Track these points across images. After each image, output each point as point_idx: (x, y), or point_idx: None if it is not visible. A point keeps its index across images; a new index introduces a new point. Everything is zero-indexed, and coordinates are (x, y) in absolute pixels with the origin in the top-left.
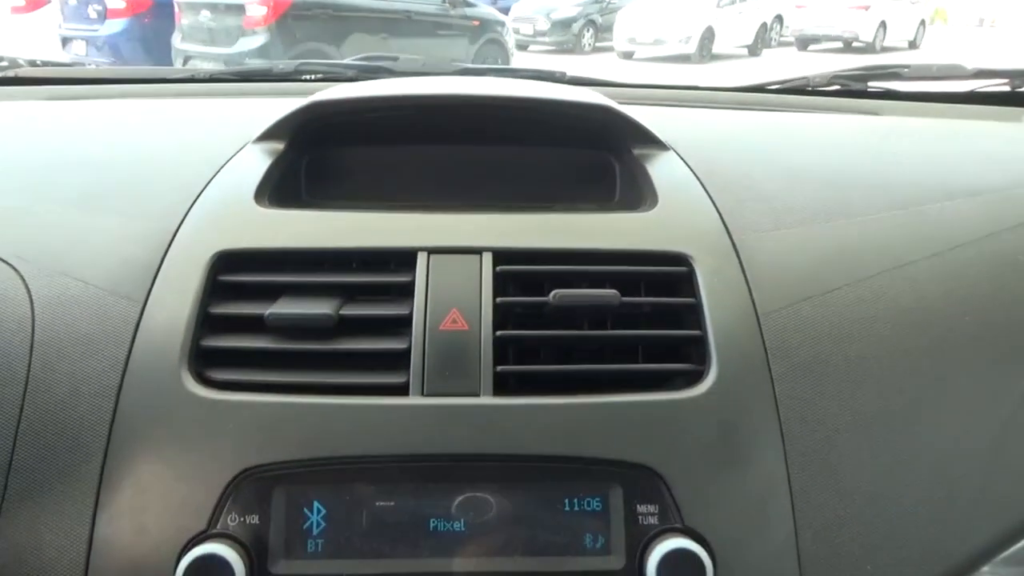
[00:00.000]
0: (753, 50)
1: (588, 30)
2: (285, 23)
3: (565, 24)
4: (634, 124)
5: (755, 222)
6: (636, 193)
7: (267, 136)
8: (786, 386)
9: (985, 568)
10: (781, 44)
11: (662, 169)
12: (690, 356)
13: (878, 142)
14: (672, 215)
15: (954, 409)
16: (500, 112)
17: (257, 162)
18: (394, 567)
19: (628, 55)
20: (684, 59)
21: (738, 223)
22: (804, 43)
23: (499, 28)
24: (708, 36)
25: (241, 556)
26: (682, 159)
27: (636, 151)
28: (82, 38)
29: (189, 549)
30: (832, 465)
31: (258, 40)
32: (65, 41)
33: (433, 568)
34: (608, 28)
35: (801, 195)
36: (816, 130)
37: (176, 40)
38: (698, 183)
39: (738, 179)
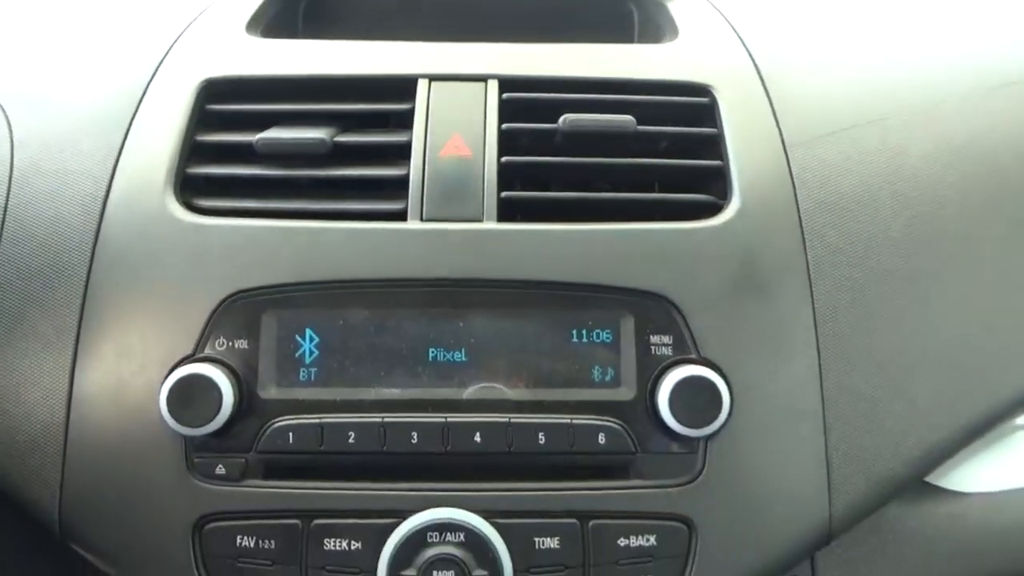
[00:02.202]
0: None
1: None
2: None
3: None
4: None
5: (784, 57)
6: (656, 31)
7: None
8: (813, 221)
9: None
10: None
11: (685, 6)
12: (711, 188)
13: None
14: (695, 46)
15: (980, 266)
16: None
17: None
18: (391, 396)
19: None
20: None
21: (766, 57)
22: None
23: None
24: None
25: (230, 379)
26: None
27: None
28: None
29: (175, 371)
30: (861, 302)
31: None
32: None
33: (432, 398)
34: None
35: (835, 33)
36: None
37: None
38: (724, 19)
39: (767, 18)
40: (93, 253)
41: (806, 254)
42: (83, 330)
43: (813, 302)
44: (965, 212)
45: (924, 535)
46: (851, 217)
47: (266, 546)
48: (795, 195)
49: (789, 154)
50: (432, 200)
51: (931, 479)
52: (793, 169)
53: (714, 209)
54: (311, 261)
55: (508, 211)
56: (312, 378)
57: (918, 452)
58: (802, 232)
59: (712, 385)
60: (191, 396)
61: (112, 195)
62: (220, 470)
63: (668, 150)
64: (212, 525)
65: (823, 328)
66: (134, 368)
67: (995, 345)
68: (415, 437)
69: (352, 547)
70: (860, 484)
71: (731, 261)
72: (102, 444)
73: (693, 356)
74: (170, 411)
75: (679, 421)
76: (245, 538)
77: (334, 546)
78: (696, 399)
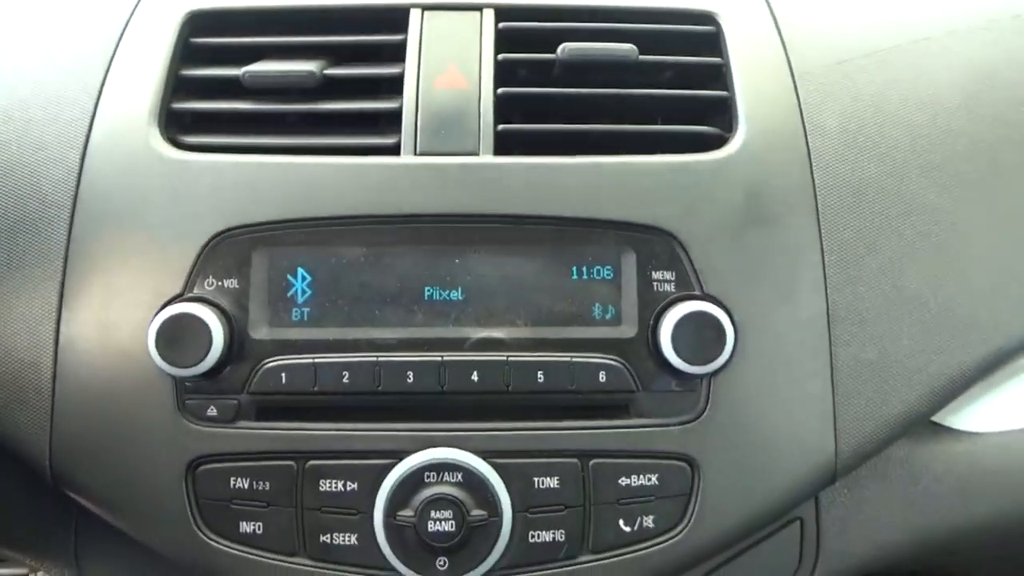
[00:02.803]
0: None
1: None
2: None
3: None
4: None
5: None
6: None
7: None
8: (823, 153)
9: None
10: None
11: None
12: (716, 120)
13: None
14: None
15: (994, 202)
16: None
17: None
18: (386, 335)
19: None
20: None
21: None
22: None
23: None
24: None
25: (220, 319)
26: None
27: None
28: None
29: (163, 310)
30: (871, 237)
31: None
32: None
33: (428, 336)
34: None
35: None
36: None
37: None
38: None
39: None
40: (77, 194)
41: (815, 188)
42: (68, 273)
43: (821, 237)
44: (980, 146)
45: (932, 474)
46: (862, 150)
47: (260, 488)
48: (804, 127)
49: (798, 84)
50: (426, 133)
51: (940, 419)
52: (802, 100)
53: (719, 142)
54: (301, 198)
55: (505, 144)
56: (305, 318)
57: (926, 390)
58: (811, 165)
59: (716, 321)
60: (180, 336)
61: (94, 134)
62: (212, 412)
63: (671, 81)
64: (205, 467)
65: (831, 264)
66: (122, 310)
67: (1007, 283)
68: (411, 377)
69: (348, 488)
70: (866, 422)
71: (736, 195)
72: (91, 388)
73: (696, 292)
74: (159, 351)
75: (681, 358)
76: (239, 480)
77: (330, 487)
78: (699, 335)
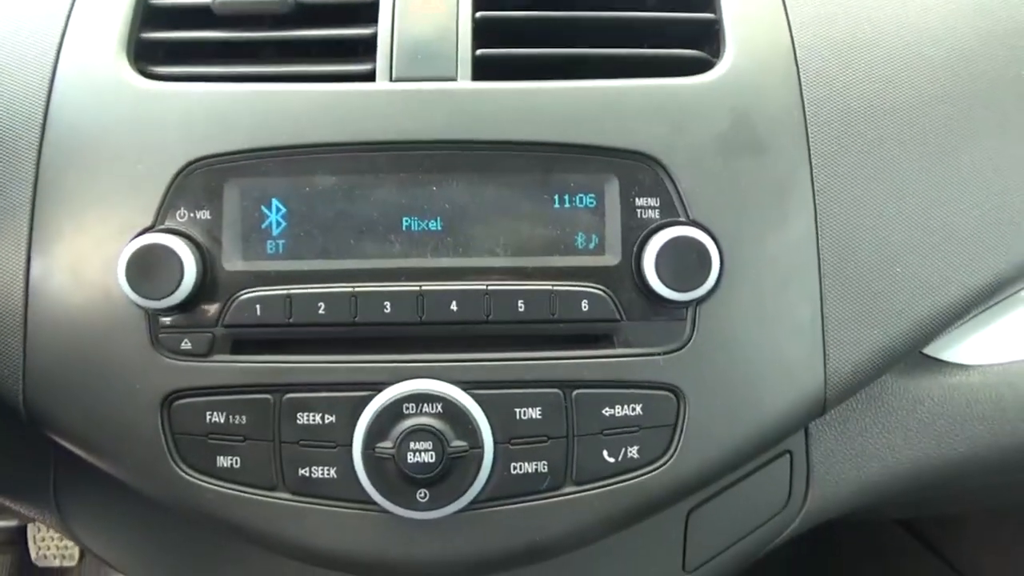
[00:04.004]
0: None
1: None
2: None
3: None
4: None
5: None
6: None
7: None
8: (814, 78)
9: None
10: None
11: None
12: (703, 44)
13: None
14: None
15: (990, 131)
16: None
17: None
18: (363, 266)
19: None
20: None
21: None
22: None
23: None
24: None
25: (192, 250)
26: None
27: None
28: None
29: (133, 241)
30: (863, 164)
31: None
32: None
33: (405, 266)
34: None
35: None
36: None
37: None
38: None
39: None
40: (44, 125)
41: (804, 113)
42: (37, 206)
43: (811, 163)
44: (979, 71)
45: (923, 406)
46: (856, 75)
47: (237, 422)
48: (794, 51)
49: (788, 6)
50: (402, 59)
51: (934, 352)
52: (792, 23)
53: (706, 66)
54: (274, 126)
55: (484, 70)
56: (280, 250)
57: (916, 320)
58: (801, 90)
59: (700, 245)
60: (151, 266)
61: (61, 64)
62: (186, 345)
63: (657, 4)
64: (180, 402)
65: (821, 191)
66: (92, 243)
67: (1003, 210)
68: (388, 307)
69: (326, 421)
70: (856, 352)
71: (723, 119)
72: (63, 323)
73: (681, 219)
74: (130, 283)
75: (666, 285)
76: (215, 414)
77: (307, 420)
78: (683, 261)
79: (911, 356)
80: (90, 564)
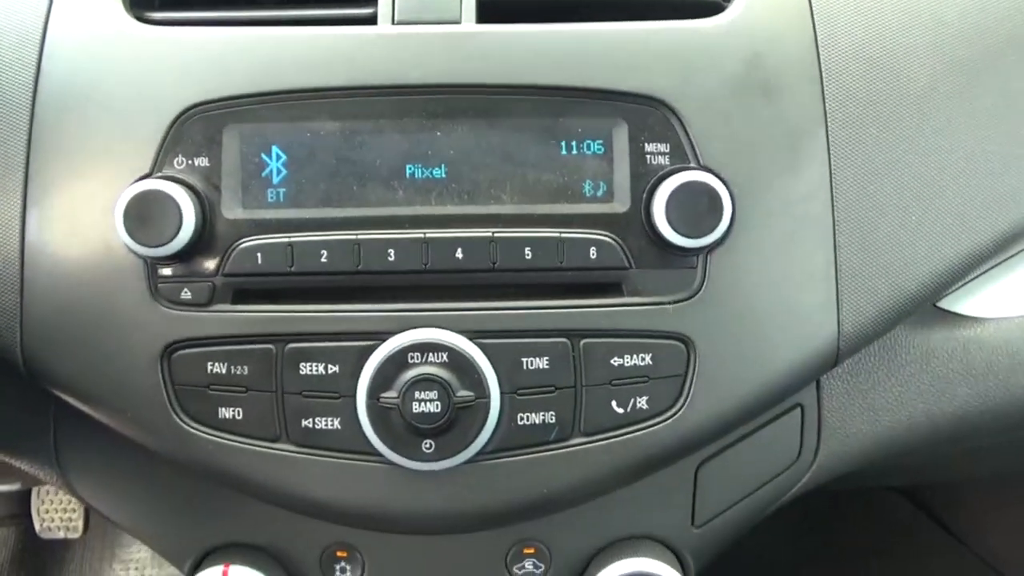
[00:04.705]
0: None
1: None
2: None
3: None
4: None
5: None
6: None
7: None
8: (829, 22)
9: None
10: None
11: None
12: None
13: None
14: None
15: (1007, 85)
16: None
17: None
18: (367, 214)
19: None
20: None
21: None
22: None
23: None
24: None
25: (190, 197)
26: None
27: None
28: None
29: (131, 187)
30: (879, 112)
31: None
32: None
33: (410, 214)
34: None
35: None
36: None
37: None
38: None
39: None
40: (38, 74)
41: (819, 57)
42: (32, 155)
43: (825, 109)
44: (1003, 13)
45: (937, 360)
46: (871, 20)
47: (239, 373)
48: None
49: None
50: (405, 2)
51: (945, 305)
52: None
53: (717, 9)
54: (273, 70)
55: (488, 13)
56: (281, 199)
57: (931, 269)
58: (815, 34)
59: (712, 190)
60: (149, 213)
61: (55, 11)
62: (186, 295)
63: None
64: (181, 352)
65: (835, 137)
66: (88, 191)
67: (1018, 162)
68: (392, 254)
69: (329, 371)
70: (870, 302)
71: (736, 62)
72: (61, 274)
73: (692, 165)
74: (127, 230)
75: (676, 231)
76: (216, 365)
77: (311, 370)
78: (694, 206)
79: (925, 309)
80: (94, 535)
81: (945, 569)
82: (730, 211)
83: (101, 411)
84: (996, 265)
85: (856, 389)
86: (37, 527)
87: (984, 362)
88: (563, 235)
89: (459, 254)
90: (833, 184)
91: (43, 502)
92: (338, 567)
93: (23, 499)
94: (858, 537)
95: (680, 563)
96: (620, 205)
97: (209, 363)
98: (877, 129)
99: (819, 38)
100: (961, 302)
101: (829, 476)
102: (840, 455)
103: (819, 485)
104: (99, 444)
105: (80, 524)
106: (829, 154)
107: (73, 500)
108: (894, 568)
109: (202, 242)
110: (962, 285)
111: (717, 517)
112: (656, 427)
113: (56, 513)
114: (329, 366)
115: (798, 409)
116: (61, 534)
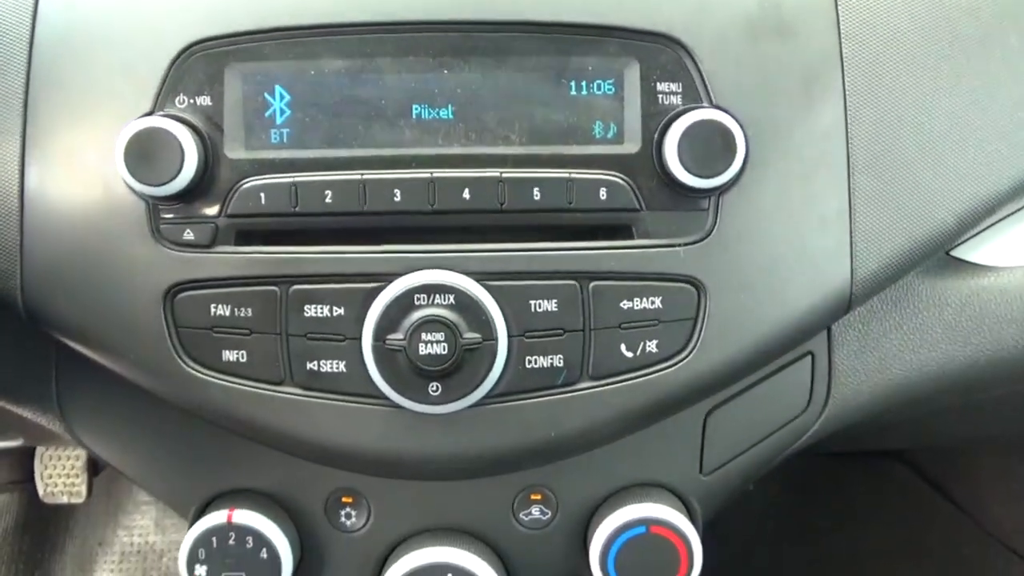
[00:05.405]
0: None
1: None
2: None
3: None
4: None
5: None
6: None
7: None
8: None
9: None
10: None
11: None
12: None
13: None
14: None
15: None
16: None
17: None
18: (373, 154)
19: None
20: None
21: None
22: None
23: None
24: None
25: (193, 136)
26: None
27: None
28: None
29: (132, 125)
30: (898, 54)
31: None
32: None
33: (417, 153)
34: None
35: None
36: None
37: None
38: None
39: None
40: (35, 11)
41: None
42: (31, 93)
43: (841, 49)
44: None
45: (950, 308)
46: None
47: (242, 315)
48: None
49: None
50: None
51: (959, 254)
52: None
53: None
54: (276, 6)
55: None
56: (284, 139)
57: (947, 213)
58: None
59: (725, 128)
60: (150, 151)
61: None
62: (189, 235)
63: None
64: (184, 295)
65: (851, 77)
66: (88, 131)
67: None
68: (398, 195)
69: (334, 313)
70: (884, 246)
71: (750, 1)
72: (61, 216)
73: (705, 104)
74: (128, 167)
75: (688, 170)
76: (220, 307)
77: (315, 313)
78: (707, 145)
79: (938, 258)
80: (98, 502)
81: (946, 537)
82: (744, 150)
83: (103, 355)
84: (1011, 214)
85: (868, 337)
86: (40, 492)
87: (998, 310)
88: (572, 175)
89: (466, 194)
90: (848, 126)
91: (46, 467)
92: (343, 513)
93: (26, 464)
94: (859, 505)
95: (688, 511)
96: (631, 146)
97: (212, 305)
98: (894, 71)
99: None
100: (974, 251)
101: (838, 425)
102: (850, 404)
103: (828, 434)
104: (102, 391)
105: (83, 489)
106: (845, 96)
107: (76, 465)
108: (895, 535)
109: (204, 182)
110: (976, 234)
111: (725, 465)
112: (666, 371)
113: (60, 478)
114: (334, 308)
115: (808, 357)
116: (64, 499)
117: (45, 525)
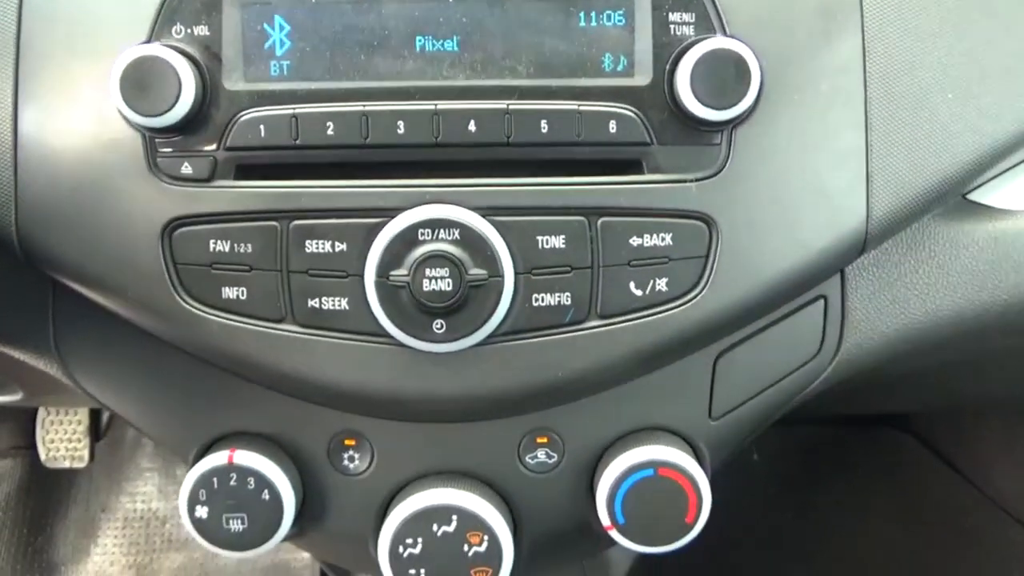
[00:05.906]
0: None
1: None
2: None
3: None
4: None
5: None
6: None
7: None
8: None
9: None
10: None
11: None
12: None
13: None
14: None
15: None
16: None
17: None
18: (375, 86)
19: None
20: None
21: None
22: None
23: None
24: None
25: (190, 66)
26: None
27: None
28: None
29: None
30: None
31: None
32: None
33: (421, 85)
34: None
35: None
36: None
37: None
38: None
39: None
40: None
41: None
42: (24, 25)
43: None
44: None
45: (967, 251)
46: None
47: (242, 251)
48: None
49: None
50: None
51: (976, 197)
52: None
53: None
54: None
55: None
56: (284, 72)
57: (965, 153)
58: None
59: (739, 58)
60: (146, 80)
61: None
62: (186, 169)
63: None
64: (182, 230)
65: (871, 10)
66: (82, 62)
67: None
68: (402, 127)
69: (336, 248)
70: (901, 185)
71: None
72: (56, 150)
73: (719, 34)
74: (124, 97)
75: (701, 101)
76: (219, 243)
77: (317, 248)
78: (720, 75)
79: (955, 201)
80: (100, 469)
81: (950, 505)
82: (758, 81)
83: (101, 293)
84: None
85: (881, 280)
86: (42, 456)
87: (1016, 254)
88: (581, 108)
89: (472, 127)
90: (867, 59)
91: (47, 431)
92: (346, 455)
93: (28, 430)
94: (862, 473)
95: (696, 455)
96: (642, 78)
97: (211, 241)
98: (915, 4)
99: None
100: (992, 194)
101: (850, 371)
102: (863, 348)
103: (840, 382)
104: (100, 332)
105: (86, 453)
106: (863, 27)
107: (78, 429)
108: (898, 503)
109: (202, 114)
110: (993, 177)
111: (735, 410)
112: (675, 310)
113: (62, 443)
114: (336, 243)
115: (821, 301)
116: (67, 463)
117: (48, 491)
